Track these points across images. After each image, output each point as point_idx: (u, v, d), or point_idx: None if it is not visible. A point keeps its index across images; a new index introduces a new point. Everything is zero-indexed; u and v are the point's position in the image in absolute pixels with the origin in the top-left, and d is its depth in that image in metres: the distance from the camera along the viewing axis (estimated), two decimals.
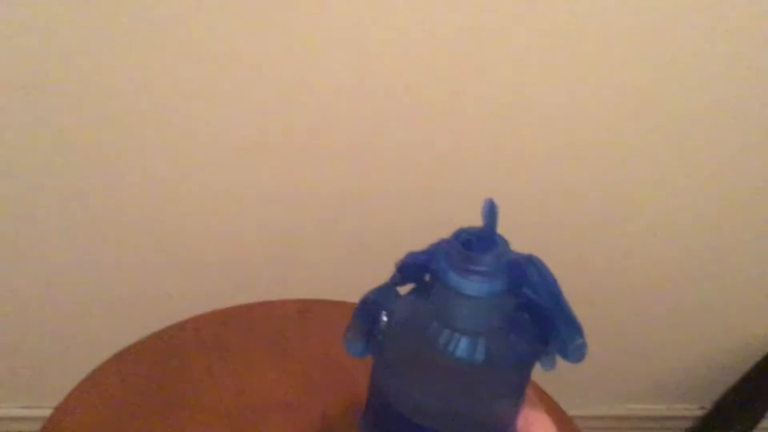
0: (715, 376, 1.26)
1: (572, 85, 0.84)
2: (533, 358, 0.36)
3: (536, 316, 0.35)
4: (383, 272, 0.39)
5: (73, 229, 0.86)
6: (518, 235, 0.93)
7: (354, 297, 0.40)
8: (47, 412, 0.59)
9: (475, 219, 0.35)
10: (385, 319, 0.37)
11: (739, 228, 1.04)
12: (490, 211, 0.34)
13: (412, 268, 0.36)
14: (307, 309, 0.72)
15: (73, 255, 0.89)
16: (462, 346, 0.34)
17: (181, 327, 0.68)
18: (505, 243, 0.35)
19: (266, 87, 0.79)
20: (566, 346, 0.34)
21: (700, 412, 1.31)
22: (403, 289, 0.38)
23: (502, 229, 0.36)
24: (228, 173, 0.85)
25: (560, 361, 0.35)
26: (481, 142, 0.87)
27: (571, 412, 1.26)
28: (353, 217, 0.91)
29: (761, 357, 1.21)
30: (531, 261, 0.35)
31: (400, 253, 0.37)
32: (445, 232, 0.36)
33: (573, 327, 0.34)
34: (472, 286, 0.34)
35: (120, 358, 0.64)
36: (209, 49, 0.75)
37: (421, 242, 0.37)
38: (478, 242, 0.34)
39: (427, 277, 0.36)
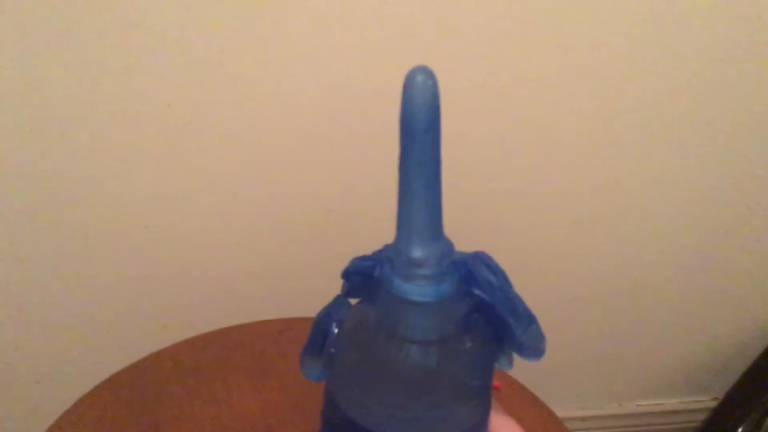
0: (725, 366, 1.24)
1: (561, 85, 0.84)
2: (489, 361, 0.34)
3: (489, 316, 0.33)
4: None
5: (52, 260, 0.85)
6: (517, 236, 0.94)
7: None
8: None
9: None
10: (335, 330, 0.36)
11: (741, 216, 1.03)
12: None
13: (357, 275, 0.35)
14: (288, 327, 0.71)
15: (50, 286, 0.87)
16: (412, 355, 0.33)
17: (158, 355, 0.66)
18: (450, 244, 0.33)
19: (244, 113, 0.78)
20: (521, 342, 0.32)
21: (712, 404, 1.29)
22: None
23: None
24: (207, 194, 0.84)
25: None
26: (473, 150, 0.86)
27: (581, 412, 1.25)
28: (336, 231, 0.90)
29: None
30: (478, 258, 0.33)
31: None
32: None
33: (524, 321, 0.32)
34: (417, 290, 0.32)
35: (97, 393, 0.63)
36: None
37: None
38: None
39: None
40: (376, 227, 0.87)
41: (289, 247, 0.91)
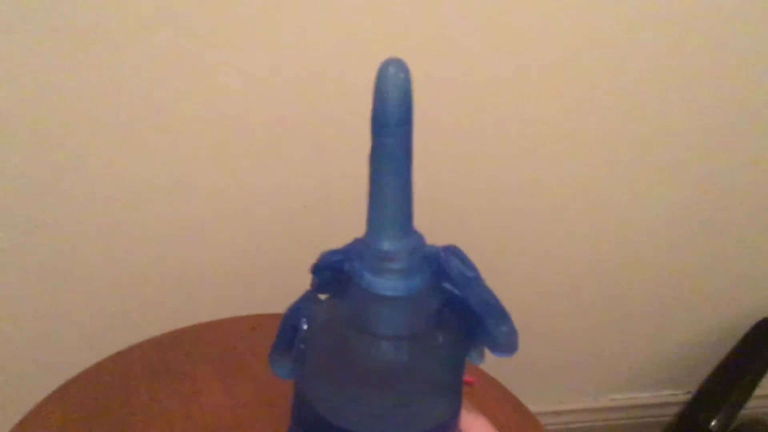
0: (697, 360, 1.26)
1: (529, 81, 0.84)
2: (461, 356, 0.34)
3: (460, 311, 0.33)
4: None
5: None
6: (488, 231, 0.93)
7: None
8: None
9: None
10: (305, 326, 0.35)
11: (716, 214, 1.04)
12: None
13: (326, 270, 0.34)
14: (259, 324, 0.70)
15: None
16: (383, 351, 0.32)
17: (126, 354, 0.65)
18: (421, 237, 0.32)
19: (216, 109, 0.77)
20: (494, 338, 0.32)
21: (686, 397, 1.30)
22: None
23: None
24: (174, 189, 0.82)
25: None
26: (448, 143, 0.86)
27: (556, 407, 1.26)
28: (310, 227, 0.89)
29: (740, 337, 1.20)
30: (450, 252, 0.32)
31: None
32: None
33: (497, 316, 0.32)
34: (387, 284, 0.31)
35: (62, 392, 0.61)
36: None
37: None
38: None
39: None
40: (351, 223, 0.86)
41: (263, 243, 0.90)
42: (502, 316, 0.32)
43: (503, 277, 0.99)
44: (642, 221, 1.03)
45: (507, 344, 0.32)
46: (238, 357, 0.66)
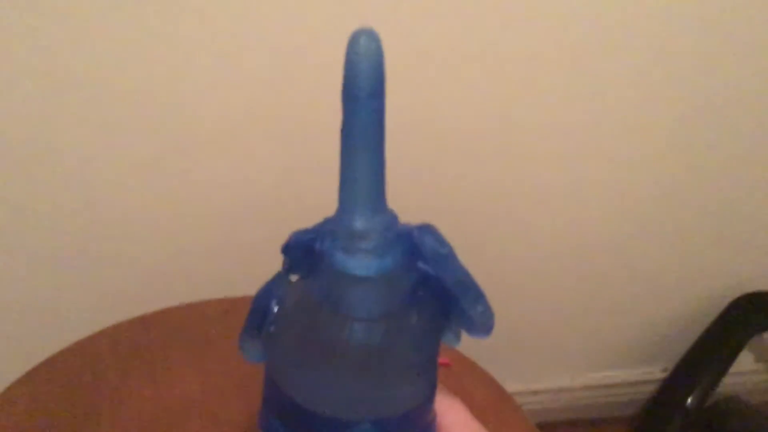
0: (674, 337, 1.26)
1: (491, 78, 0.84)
2: (436, 337, 0.33)
3: (435, 291, 0.32)
4: None
5: None
6: (462, 209, 0.93)
7: None
8: None
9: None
10: (275, 308, 0.34)
11: (690, 190, 1.04)
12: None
13: (297, 249, 0.33)
14: (231, 308, 0.69)
15: None
16: (356, 333, 0.31)
17: (95, 338, 0.64)
18: (394, 215, 0.31)
19: (184, 88, 0.76)
20: (470, 318, 0.31)
21: (662, 375, 1.31)
22: None
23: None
24: (147, 171, 0.81)
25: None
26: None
27: (533, 386, 1.26)
28: (283, 208, 0.88)
29: (717, 315, 1.21)
30: (423, 230, 0.31)
31: None
32: None
33: (472, 295, 0.31)
34: (360, 264, 0.30)
35: (30, 377, 0.60)
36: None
37: None
38: None
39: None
40: (324, 204, 0.85)
41: (235, 226, 0.89)
42: (478, 295, 0.31)
43: (479, 257, 0.99)
44: (616, 200, 1.03)
45: (483, 324, 0.31)
46: (210, 341, 0.65)
